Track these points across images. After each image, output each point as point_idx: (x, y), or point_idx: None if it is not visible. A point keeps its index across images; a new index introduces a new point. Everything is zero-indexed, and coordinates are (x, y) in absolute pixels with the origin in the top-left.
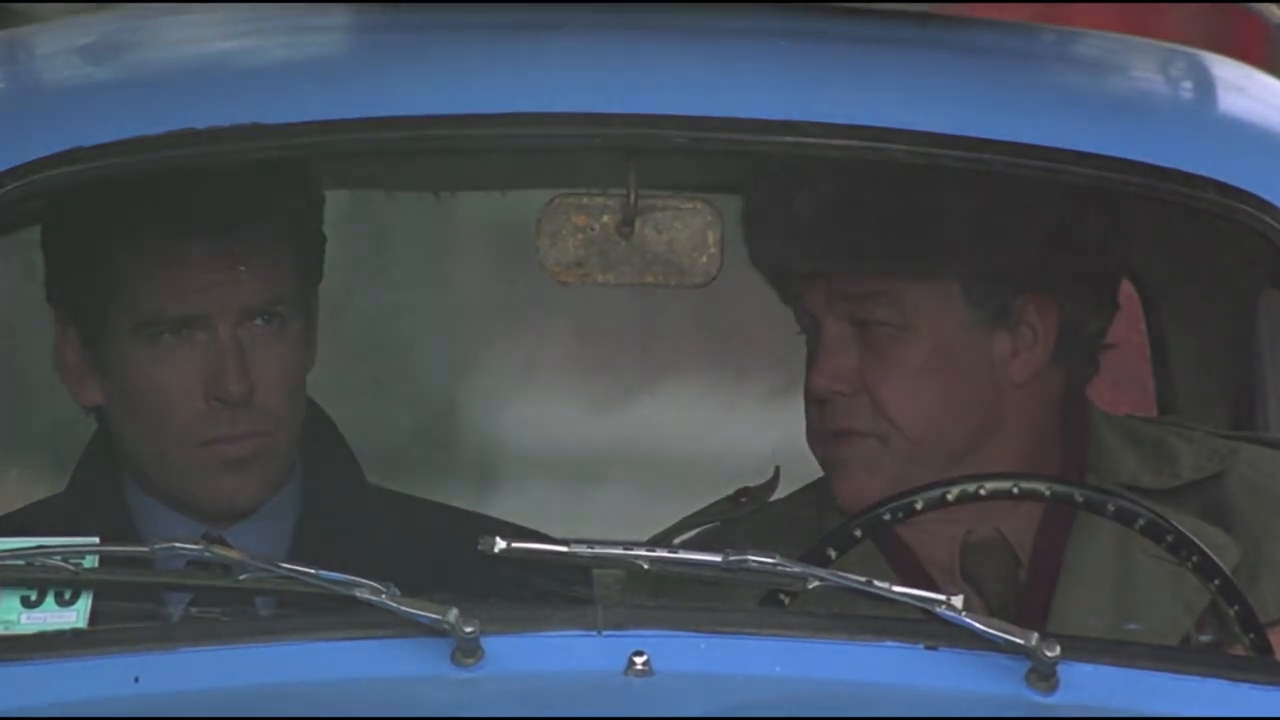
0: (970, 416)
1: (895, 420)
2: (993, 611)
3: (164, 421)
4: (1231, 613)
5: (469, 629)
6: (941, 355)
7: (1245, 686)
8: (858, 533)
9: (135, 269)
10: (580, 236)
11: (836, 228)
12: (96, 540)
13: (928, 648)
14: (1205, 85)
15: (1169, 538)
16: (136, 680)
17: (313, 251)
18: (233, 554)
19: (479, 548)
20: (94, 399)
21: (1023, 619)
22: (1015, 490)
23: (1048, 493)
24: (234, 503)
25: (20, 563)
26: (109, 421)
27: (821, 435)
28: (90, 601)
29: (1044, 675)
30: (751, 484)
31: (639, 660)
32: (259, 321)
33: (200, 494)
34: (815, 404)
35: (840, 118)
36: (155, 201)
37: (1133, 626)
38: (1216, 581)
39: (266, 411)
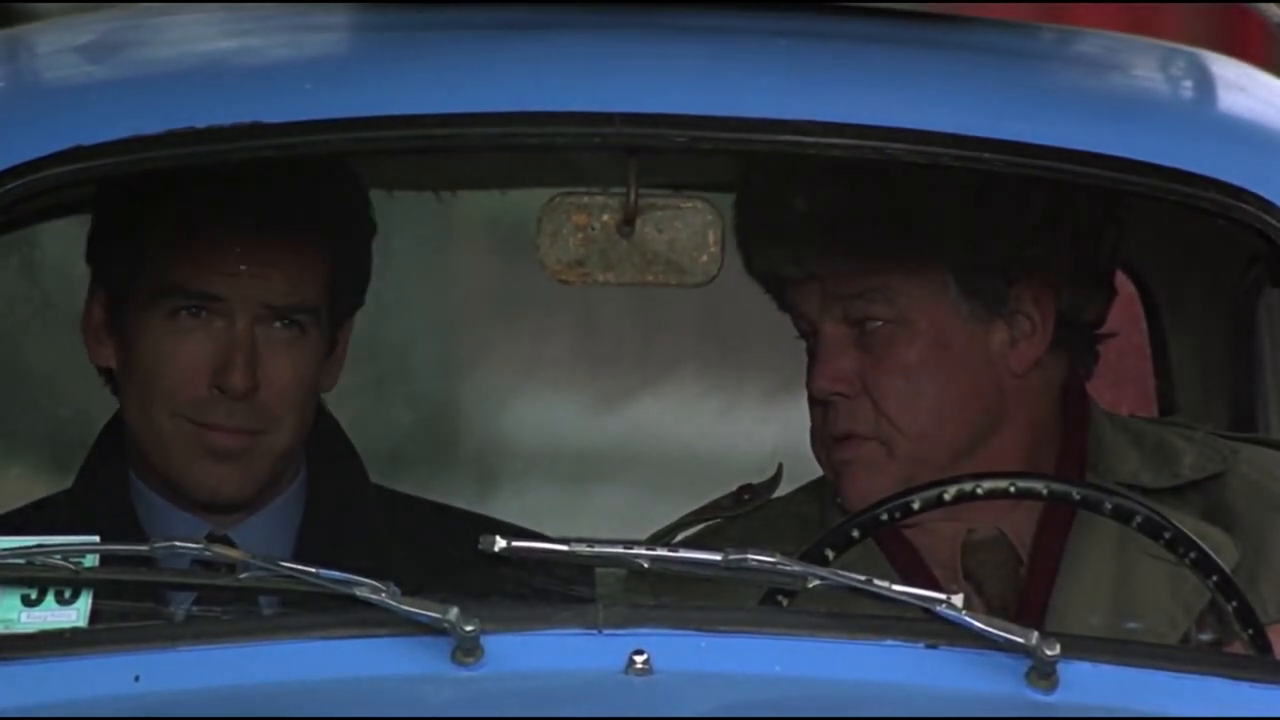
0: (971, 411)
1: (896, 421)
2: (993, 609)
3: (163, 396)
4: (1230, 609)
5: (469, 628)
6: (940, 350)
7: (1245, 686)
8: (855, 533)
9: (169, 239)
10: (580, 236)
11: (829, 227)
12: (97, 539)
13: (928, 646)
14: (1206, 84)
15: (1166, 535)
16: (136, 679)
17: (354, 274)
18: (233, 553)
19: (479, 547)
20: (105, 360)
21: (1023, 617)
22: (1012, 489)
23: (1045, 491)
24: (218, 493)
25: (20, 561)
26: (116, 389)
27: (825, 439)
28: (90, 600)
29: (1044, 674)
30: (754, 481)
31: (639, 659)
32: (278, 324)
33: (187, 478)
34: (818, 407)
35: (840, 117)
36: (208, 181)
37: (1132, 625)
38: (1214, 578)
39: (265, 412)
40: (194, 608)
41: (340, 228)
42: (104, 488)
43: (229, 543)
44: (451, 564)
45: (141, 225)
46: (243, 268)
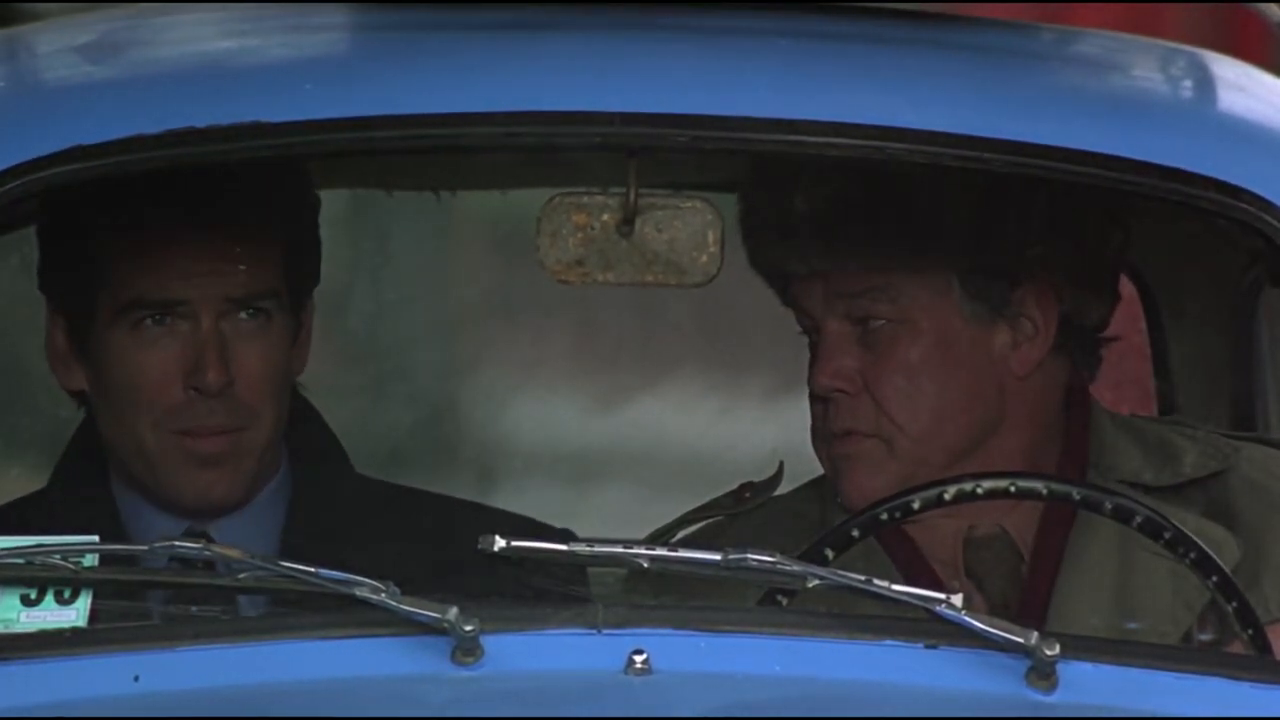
0: (972, 411)
1: (897, 419)
2: (995, 607)
3: (141, 409)
4: (1230, 609)
5: (468, 627)
6: (942, 350)
7: (1245, 685)
8: (855, 533)
9: (123, 254)
10: (580, 235)
11: (833, 226)
12: (96, 539)
13: (927, 646)
14: (1206, 84)
15: (1166, 535)
16: (136, 679)
17: (306, 253)
18: (232, 552)
19: (479, 546)
20: (77, 384)
21: (1025, 614)
22: (1012, 489)
23: (1045, 491)
24: (207, 498)
25: (20, 561)
26: (91, 409)
27: (825, 436)
28: (90, 600)
29: (1044, 674)
30: (755, 479)
31: (638, 659)
32: (243, 315)
33: (174, 487)
34: (818, 404)
35: (840, 117)
36: (147, 189)
37: (1133, 625)
38: (1214, 578)
39: (244, 406)
40: (193, 607)
41: (286, 206)
42: (82, 486)
43: (219, 542)
44: (444, 554)
45: (90, 246)
46: (199, 267)
